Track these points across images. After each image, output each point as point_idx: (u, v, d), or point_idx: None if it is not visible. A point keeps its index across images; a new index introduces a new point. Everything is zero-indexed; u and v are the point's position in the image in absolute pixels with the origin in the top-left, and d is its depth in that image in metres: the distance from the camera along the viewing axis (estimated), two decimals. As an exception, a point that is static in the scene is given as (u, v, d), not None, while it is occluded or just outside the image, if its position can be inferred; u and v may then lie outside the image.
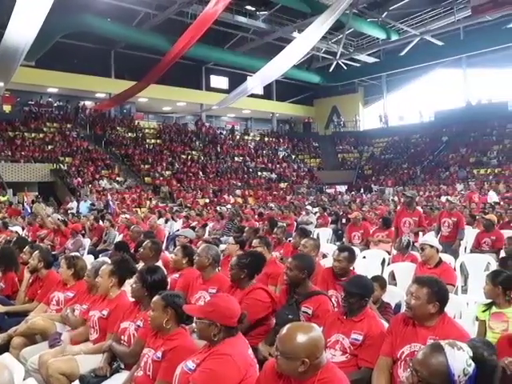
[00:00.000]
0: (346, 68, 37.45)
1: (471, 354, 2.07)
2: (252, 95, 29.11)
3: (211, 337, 2.82)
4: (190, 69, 33.06)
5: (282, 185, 30.88)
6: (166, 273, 5.24)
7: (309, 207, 15.59)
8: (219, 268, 5.24)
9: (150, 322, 3.27)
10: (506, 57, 31.06)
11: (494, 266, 6.21)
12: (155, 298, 3.32)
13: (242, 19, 28.90)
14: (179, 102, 33.74)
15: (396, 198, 20.92)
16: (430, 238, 5.73)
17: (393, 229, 8.66)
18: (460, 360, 2.04)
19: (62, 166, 23.47)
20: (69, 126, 27.72)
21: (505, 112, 30.94)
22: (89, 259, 6.70)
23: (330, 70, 37.49)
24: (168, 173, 27.21)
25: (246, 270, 4.23)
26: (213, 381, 2.67)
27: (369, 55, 36.01)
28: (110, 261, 5.06)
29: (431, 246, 5.53)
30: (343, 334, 3.45)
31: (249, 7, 29.20)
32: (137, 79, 26.52)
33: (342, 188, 31.47)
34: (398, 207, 14.53)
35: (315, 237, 9.27)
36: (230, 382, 2.67)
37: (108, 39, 27.62)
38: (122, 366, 3.71)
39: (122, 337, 3.78)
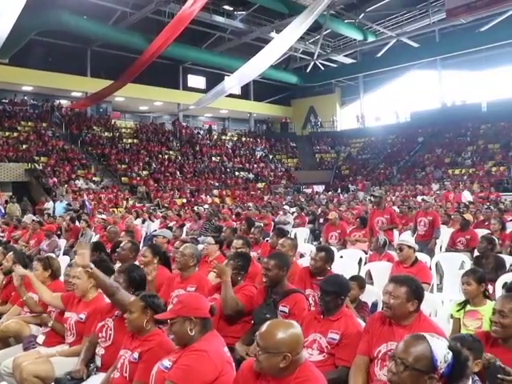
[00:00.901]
0: (323, 68, 37.72)
1: (448, 345, 2.15)
2: (229, 95, 29.06)
3: (187, 333, 2.80)
4: (168, 68, 32.90)
5: (260, 185, 30.89)
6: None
7: (286, 207, 15.63)
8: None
9: (128, 324, 3.23)
10: (480, 59, 31.64)
11: (469, 264, 6.30)
12: (134, 300, 3.29)
13: (219, 19, 28.87)
14: (156, 101, 33.55)
15: (373, 198, 21.09)
16: (408, 238, 5.80)
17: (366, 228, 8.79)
18: (441, 347, 2.12)
19: (37, 165, 23.11)
20: (44, 125, 27.31)
21: (478, 113, 31.43)
22: (64, 260, 6.63)
23: (308, 71, 37.73)
24: (145, 173, 27.02)
25: (243, 272, 4.36)
26: (188, 376, 2.65)
27: (346, 56, 36.31)
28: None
29: (409, 247, 5.61)
30: (320, 333, 3.46)
31: (226, 7, 29.16)
32: (113, 78, 26.29)
33: (320, 188, 31.58)
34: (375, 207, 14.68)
35: (293, 236, 9.29)
36: (206, 377, 2.66)
37: (84, 37, 27.32)
38: (99, 365, 3.66)
39: (100, 334, 3.71)
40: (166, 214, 14.71)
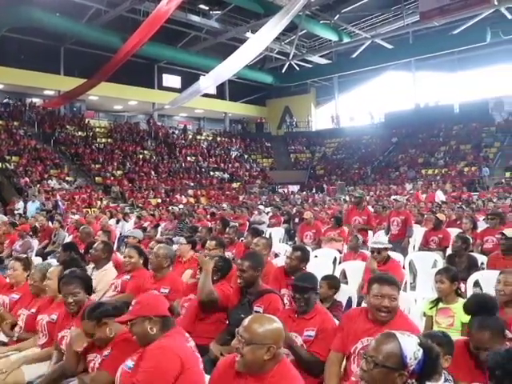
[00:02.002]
0: (298, 69, 37.88)
1: (419, 341, 2.18)
2: (205, 95, 28.98)
3: (148, 332, 2.79)
4: (142, 67, 32.67)
5: (235, 185, 30.86)
6: (115, 274, 5.18)
7: (261, 207, 15.62)
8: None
9: (97, 342, 3.19)
10: (452, 61, 32.29)
11: (441, 263, 6.39)
12: (84, 323, 3.23)
13: (195, 18, 28.79)
14: (131, 100, 33.29)
15: (347, 198, 21.27)
16: (382, 239, 5.83)
17: (344, 227, 8.84)
18: (411, 344, 2.15)
19: (8, 165, 22.68)
20: (16, 123, 26.82)
21: (451, 114, 31.95)
22: (37, 261, 6.52)
23: (283, 71, 37.85)
24: (119, 172, 26.77)
25: (220, 273, 4.34)
26: (155, 378, 2.63)
27: (321, 56, 36.52)
28: (56, 262, 4.93)
29: (385, 248, 5.67)
30: (296, 332, 3.47)
31: (202, 6, 29.11)
32: (87, 76, 25.96)
33: (295, 188, 31.73)
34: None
35: (268, 236, 9.31)
36: (172, 373, 2.65)
37: (57, 35, 26.93)
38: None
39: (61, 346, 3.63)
40: (141, 214, 14.60)
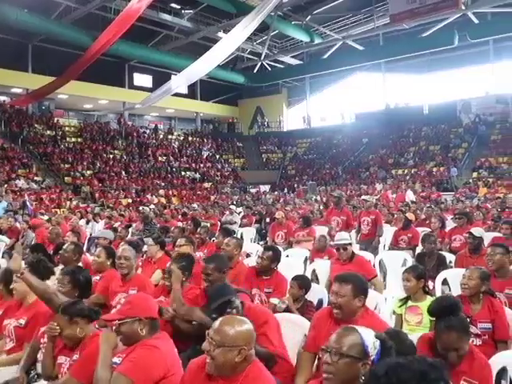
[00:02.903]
0: (270, 69, 37.97)
1: (374, 334, 2.31)
2: (176, 94, 28.79)
3: (138, 333, 2.78)
4: (113, 66, 32.28)
5: (206, 184, 30.80)
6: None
7: (232, 207, 15.63)
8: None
9: (64, 340, 3.15)
10: (422, 63, 32.81)
11: (411, 262, 6.47)
12: (56, 317, 3.20)
13: (166, 17, 28.62)
14: (101, 99, 32.86)
15: (319, 198, 21.42)
16: (343, 236, 5.82)
17: (313, 227, 8.92)
18: (369, 335, 2.27)
19: (-26, 164, 22.29)
20: (-18, 122, 26.36)
21: (420, 115, 32.46)
22: (2, 263, 6.41)
23: (255, 71, 37.88)
24: (89, 172, 26.45)
25: (187, 273, 4.24)
26: (137, 368, 2.63)
27: (293, 57, 36.69)
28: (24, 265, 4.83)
29: (350, 244, 5.71)
30: None
31: (174, 5, 28.96)
32: (56, 75, 25.56)
33: (266, 188, 31.81)
34: (321, 206, 14.94)
35: (239, 236, 9.31)
36: (155, 372, 2.64)
37: (25, 31, 26.25)
38: (40, 372, 3.51)
39: (42, 340, 3.56)
40: (111, 215, 14.45)
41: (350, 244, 5.70)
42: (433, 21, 29.00)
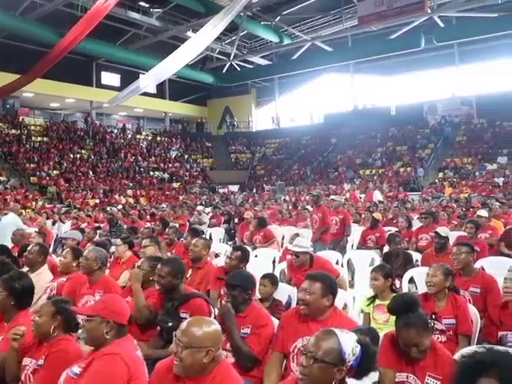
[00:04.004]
0: (239, 69, 37.97)
1: (356, 338, 2.28)
2: (144, 94, 28.53)
3: (102, 335, 2.74)
4: (81, 64, 31.79)
5: (175, 185, 30.66)
6: (51, 277, 5.03)
7: (200, 207, 15.55)
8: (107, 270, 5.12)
9: (35, 327, 3.05)
10: (389, 65, 33.27)
11: (378, 261, 6.55)
12: (44, 303, 3.14)
13: (135, 15, 28.32)
14: (68, 98, 32.32)
15: (288, 198, 21.51)
16: (306, 243, 5.38)
17: (268, 227, 9.06)
18: (349, 341, 2.24)
19: None
20: None
21: (388, 116, 32.87)
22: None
23: (224, 71, 37.79)
24: (56, 172, 26.04)
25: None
26: (101, 383, 2.58)
27: (262, 57, 36.78)
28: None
29: (305, 253, 5.26)
30: None
31: (142, 3, 28.65)
32: (21, 72, 25.01)
33: (235, 188, 31.80)
34: (290, 206, 15.01)
35: (208, 237, 9.29)
36: (119, 381, 2.59)
37: (-12, 28, 25.83)
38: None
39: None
40: (78, 216, 14.27)
41: (306, 253, 5.24)
42: (400, 24, 29.49)
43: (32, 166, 25.61)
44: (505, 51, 29.37)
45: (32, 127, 30.09)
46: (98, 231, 10.48)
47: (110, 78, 35.25)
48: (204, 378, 2.44)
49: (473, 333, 3.80)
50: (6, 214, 11.22)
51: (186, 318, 3.66)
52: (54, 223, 13.56)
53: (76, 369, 2.73)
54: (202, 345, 2.40)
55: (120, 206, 19.62)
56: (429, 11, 27.22)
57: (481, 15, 27.33)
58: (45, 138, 29.34)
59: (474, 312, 3.92)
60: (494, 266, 5.59)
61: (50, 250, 7.55)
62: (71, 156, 28.49)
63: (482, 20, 27.46)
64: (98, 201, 23.92)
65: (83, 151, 29.81)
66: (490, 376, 1.63)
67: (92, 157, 29.68)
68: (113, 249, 6.51)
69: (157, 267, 4.00)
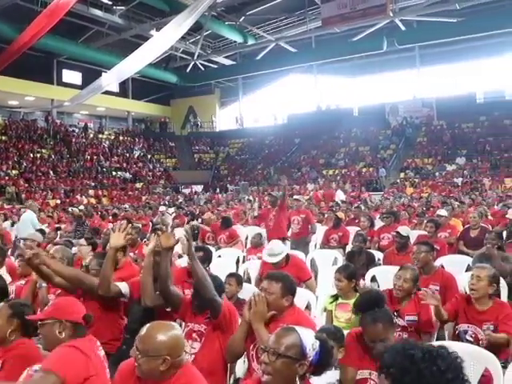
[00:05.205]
0: (203, 69, 37.90)
1: (315, 335, 2.36)
2: (107, 92, 28.14)
3: (57, 336, 2.70)
4: (41, 61, 31.17)
5: (138, 185, 30.36)
6: (9, 279, 4.90)
7: (163, 207, 15.41)
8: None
9: None
10: (352, 67, 33.75)
11: (341, 260, 6.62)
12: (1, 306, 3.07)
13: (97, 12, 27.88)
14: (28, 96, 31.54)
15: (251, 198, 21.51)
16: (278, 248, 5.37)
17: (233, 227, 9.18)
18: (309, 337, 2.30)
19: None
20: None
21: (351, 117, 33.18)
22: None
23: (188, 71, 37.70)
24: (15, 172, 25.46)
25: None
26: (63, 361, 2.54)
27: (226, 57, 36.72)
28: None
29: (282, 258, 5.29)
30: (196, 323, 3.58)
31: (105, 0, 28.24)
32: (-22, 69, 24.42)
33: (199, 188, 31.68)
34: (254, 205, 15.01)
35: (171, 237, 9.19)
36: (74, 370, 2.54)
37: None
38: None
39: None
40: (39, 216, 13.96)
41: (278, 261, 5.21)
42: (363, 26, 29.95)
43: (-11, 165, 24.99)
44: (464, 55, 30.21)
45: (-11, 126, 29.34)
46: (58, 232, 10.30)
47: (72, 76, 34.59)
48: (166, 381, 2.42)
49: (435, 329, 3.87)
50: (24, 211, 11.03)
51: None
52: (12, 224, 13.25)
53: (37, 366, 2.68)
54: (158, 353, 2.37)
55: (82, 207, 19.30)
56: (391, 14, 27.71)
57: (441, 20, 27.94)
58: (3, 137, 28.59)
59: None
60: (453, 264, 5.75)
61: (9, 252, 7.36)
62: (31, 155, 27.91)
63: (441, 24, 28.04)
64: (58, 201, 23.50)
65: (43, 150, 29.22)
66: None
67: (53, 156, 29.12)
68: (74, 249, 6.38)
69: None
